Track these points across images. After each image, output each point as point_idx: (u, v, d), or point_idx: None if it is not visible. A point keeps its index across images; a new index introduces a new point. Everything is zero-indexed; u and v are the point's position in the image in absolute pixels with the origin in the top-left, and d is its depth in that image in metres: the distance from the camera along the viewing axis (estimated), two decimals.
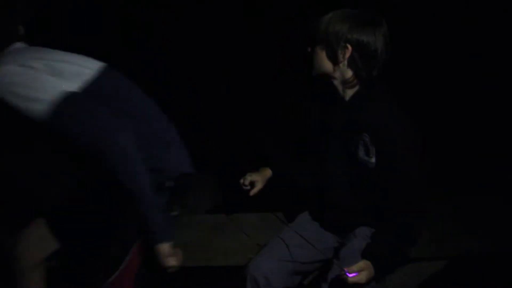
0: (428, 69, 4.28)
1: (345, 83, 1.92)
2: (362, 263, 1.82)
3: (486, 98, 4.12)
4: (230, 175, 3.59)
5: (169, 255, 1.74)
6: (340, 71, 1.91)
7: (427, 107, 4.07)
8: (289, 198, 2.80)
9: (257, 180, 2.19)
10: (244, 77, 5.25)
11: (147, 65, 5.30)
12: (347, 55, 1.86)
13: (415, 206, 1.86)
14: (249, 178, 2.18)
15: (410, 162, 1.84)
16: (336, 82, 1.94)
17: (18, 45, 1.84)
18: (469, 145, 3.84)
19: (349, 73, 1.90)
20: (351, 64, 1.87)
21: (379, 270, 1.84)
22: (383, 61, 1.87)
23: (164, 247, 1.73)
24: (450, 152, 3.81)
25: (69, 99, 1.66)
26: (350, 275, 1.78)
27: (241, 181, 2.19)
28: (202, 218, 2.68)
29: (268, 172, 2.24)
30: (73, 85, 1.71)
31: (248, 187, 2.19)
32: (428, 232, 2.23)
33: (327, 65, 1.92)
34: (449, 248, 2.33)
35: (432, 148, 3.51)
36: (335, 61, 1.90)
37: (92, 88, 1.75)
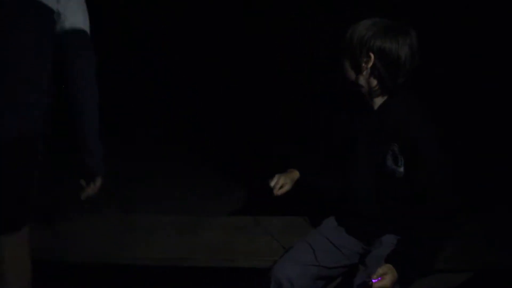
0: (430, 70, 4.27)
1: (372, 92, 1.92)
2: (386, 267, 1.81)
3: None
4: (256, 177, 3.62)
5: (98, 186, 2.01)
6: (364, 80, 1.90)
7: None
8: (315, 203, 2.80)
9: (286, 182, 2.18)
10: (251, 76, 5.27)
11: (147, 65, 5.38)
12: (370, 63, 1.86)
13: (445, 216, 1.84)
14: (279, 179, 2.17)
15: (441, 171, 1.83)
16: (364, 91, 1.94)
17: None
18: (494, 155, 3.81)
19: (374, 82, 1.89)
20: (375, 73, 1.87)
21: (402, 276, 1.82)
22: (409, 70, 1.85)
23: (99, 179, 2.01)
24: (474, 160, 3.79)
25: None
26: (375, 281, 1.77)
27: (271, 182, 2.17)
28: (226, 219, 2.69)
29: (296, 174, 2.23)
30: None
31: (277, 189, 2.17)
32: (455, 244, 2.21)
33: (352, 74, 1.92)
34: (475, 260, 2.30)
35: (460, 158, 3.52)
36: (359, 70, 1.89)
37: None
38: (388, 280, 1.78)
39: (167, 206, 3.43)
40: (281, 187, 2.17)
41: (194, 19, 5.77)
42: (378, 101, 1.93)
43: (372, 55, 1.84)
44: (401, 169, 1.87)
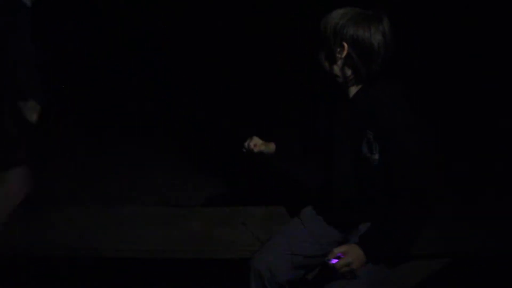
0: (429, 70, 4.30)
1: (347, 81, 1.92)
2: (344, 247, 1.83)
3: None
4: (234, 168, 3.63)
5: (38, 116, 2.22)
6: (339, 69, 1.90)
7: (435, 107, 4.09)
8: (293, 192, 2.82)
9: (260, 144, 2.23)
10: (251, 76, 5.27)
11: (147, 65, 5.36)
12: (344, 53, 1.85)
13: (419, 203, 1.85)
14: (252, 139, 2.24)
15: (414, 158, 1.83)
16: (340, 80, 1.94)
17: None
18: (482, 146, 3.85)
19: (349, 72, 1.89)
20: (349, 62, 1.87)
21: (368, 254, 1.83)
22: (383, 58, 1.85)
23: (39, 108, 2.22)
24: (458, 150, 3.82)
25: None
26: (333, 261, 1.79)
27: (246, 143, 2.24)
28: (205, 210, 2.69)
29: (271, 146, 2.26)
30: None
31: (249, 149, 2.23)
32: (434, 229, 2.23)
33: (327, 64, 1.93)
34: (455, 245, 2.32)
35: (443, 147, 3.56)
36: (333, 60, 1.89)
37: None
38: (350, 257, 1.80)
39: (149, 197, 3.43)
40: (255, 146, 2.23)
41: (194, 20, 5.76)
42: (354, 90, 1.93)
43: (345, 44, 1.84)
44: (376, 156, 1.87)
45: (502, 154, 3.64)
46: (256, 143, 2.24)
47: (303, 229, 2.12)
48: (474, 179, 3.42)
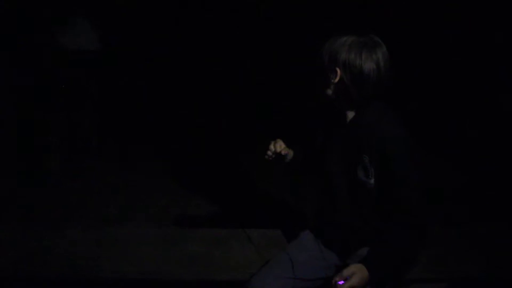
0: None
1: (342, 105, 1.97)
2: (353, 267, 1.83)
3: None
4: (236, 188, 3.64)
5: None
6: (334, 94, 1.95)
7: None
8: (293, 215, 2.84)
9: (285, 147, 2.18)
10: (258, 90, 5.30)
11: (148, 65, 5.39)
12: (337, 78, 1.90)
13: (413, 227, 1.87)
14: (279, 143, 2.18)
15: (408, 183, 1.86)
16: (336, 104, 1.98)
17: None
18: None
19: (343, 96, 1.94)
20: (342, 87, 1.91)
21: (373, 275, 1.83)
22: (376, 84, 1.89)
23: None
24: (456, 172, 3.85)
25: None
26: (341, 283, 1.79)
27: (271, 146, 2.17)
28: (205, 231, 2.70)
29: (291, 152, 2.23)
30: None
31: (277, 152, 2.17)
32: (430, 254, 2.25)
33: (323, 88, 1.97)
34: (449, 271, 2.34)
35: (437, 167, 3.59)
36: (328, 84, 1.94)
37: None
38: (356, 279, 1.80)
39: (147, 218, 3.44)
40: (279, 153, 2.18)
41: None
42: (350, 114, 1.98)
43: (338, 70, 1.89)
44: (372, 181, 1.90)
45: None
46: (281, 145, 2.21)
47: (302, 252, 2.13)
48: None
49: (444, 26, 4.80)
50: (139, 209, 3.54)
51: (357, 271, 1.82)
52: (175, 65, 5.80)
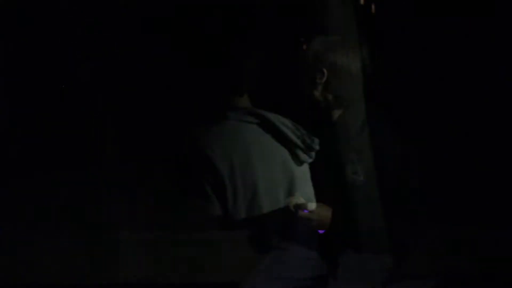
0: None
1: (329, 105, 1.97)
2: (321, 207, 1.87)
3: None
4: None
5: None
6: (321, 94, 1.95)
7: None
8: (284, 216, 2.81)
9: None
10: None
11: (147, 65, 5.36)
12: (324, 79, 1.91)
13: (405, 224, 1.88)
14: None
15: (397, 179, 1.88)
16: (322, 105, 1.99)
17: None
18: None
19: (329, 96, 1.95)
20: (329, 87, 1.92)
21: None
22: (364, 82, 1.91)
23: None
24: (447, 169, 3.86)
25: None
26: (306, 211, 1.84)
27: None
28: (195, 234, 2.68)
29: None
30: None
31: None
32: (422, 249, 2.25)
33: (309, 89, 1.98)
34: (441, 266, 2.34)
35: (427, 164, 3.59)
36: (314, 85, 1.95)
37: None
38: (316, 215, 1.85)
39: (136, 222, 3.41)
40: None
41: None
42: (336, 113, 1.99)
43: (324, 70, 1.89)
44: (361, 178, 1.91)
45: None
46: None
47: (295, 252, 2.13)
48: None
49: (444, 26, 4.81)
50: (130, 212, 3.51)
51: (322, 211, 1.85)
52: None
